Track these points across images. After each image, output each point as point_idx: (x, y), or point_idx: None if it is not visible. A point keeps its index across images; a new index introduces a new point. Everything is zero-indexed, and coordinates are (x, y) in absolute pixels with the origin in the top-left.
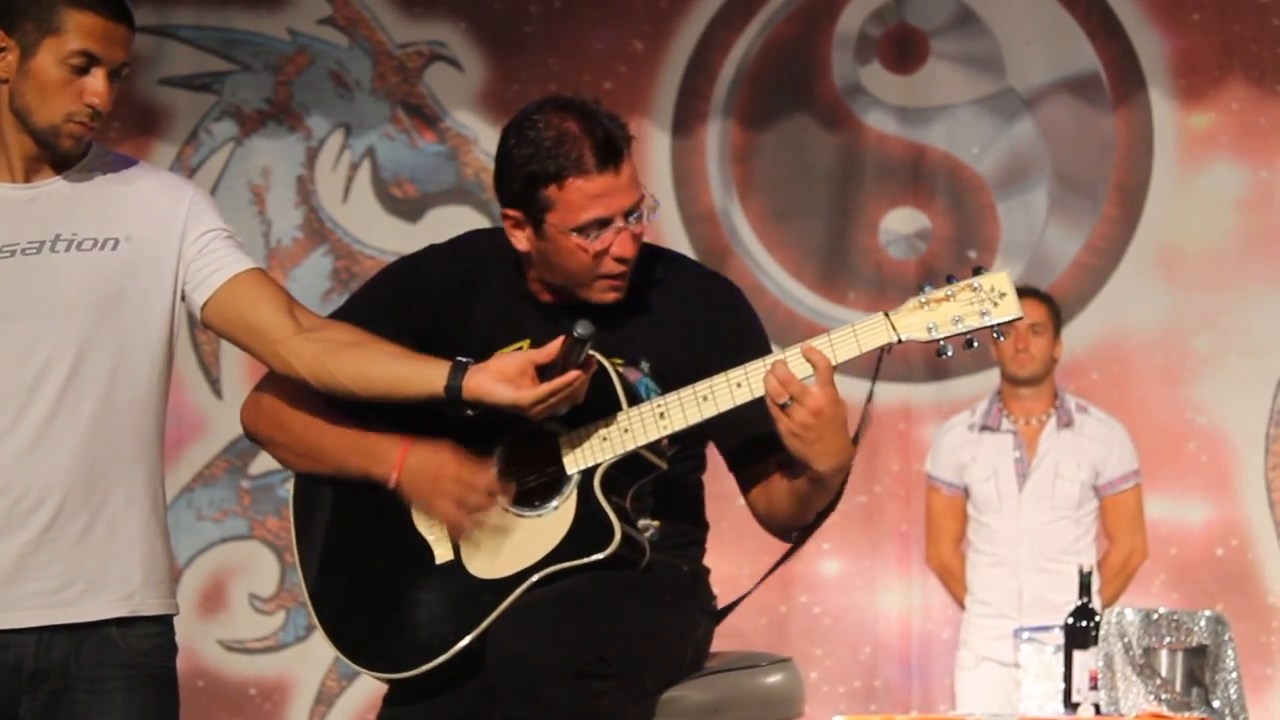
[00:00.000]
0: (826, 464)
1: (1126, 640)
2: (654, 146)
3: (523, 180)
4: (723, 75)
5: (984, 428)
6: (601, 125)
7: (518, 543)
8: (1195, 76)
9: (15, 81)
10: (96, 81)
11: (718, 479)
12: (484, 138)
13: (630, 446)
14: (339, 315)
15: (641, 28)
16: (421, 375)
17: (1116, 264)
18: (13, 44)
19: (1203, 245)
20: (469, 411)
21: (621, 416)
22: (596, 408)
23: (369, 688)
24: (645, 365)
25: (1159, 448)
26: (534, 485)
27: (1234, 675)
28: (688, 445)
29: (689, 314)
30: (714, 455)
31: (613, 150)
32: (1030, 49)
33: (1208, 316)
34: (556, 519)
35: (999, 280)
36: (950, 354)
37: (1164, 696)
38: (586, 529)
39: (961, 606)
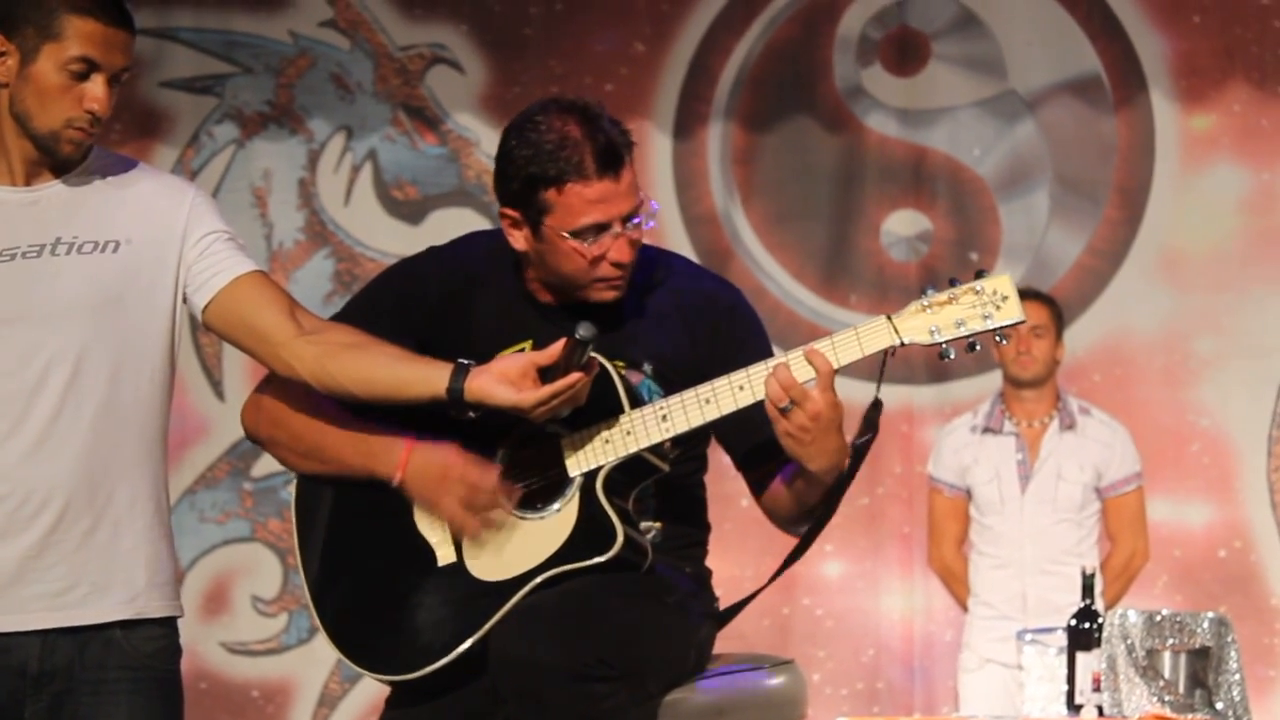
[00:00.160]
0: (819, 464)
1: (1129, 642)
2: (655, 149)
3: (522, 181)
4: (724, 77)
5: (986, 430)
6: (603, 131)
7: (520, 545)
8: (1196, 78)
9: (15, 86)
10: (96, 87)
11: (719, 481)
12: (485, 140)
13: (633, 449)
14: (340, 317)
15: (643, 30)
16: (423, 377)
17: (1118, 266)
18: (13, 49)
19: (1204, 247)
20: (471, 414)
21: (624, 419)
22: (599, 410)
23: (371, 690)
24: (647, 367)
25: (1161, 450)
26: (536, 487)
27: (1237, 677)
28: (689, 447)
29: (691, 316)
30: (715, 456)
31: (613, 156)
32: (1031, 51)
33: (1210, 318)
34: (559, 521)
35: (1001, 283)
36: (953, 357)
37: (1167, 698)
38: (589, 531)
39: (964, 608)
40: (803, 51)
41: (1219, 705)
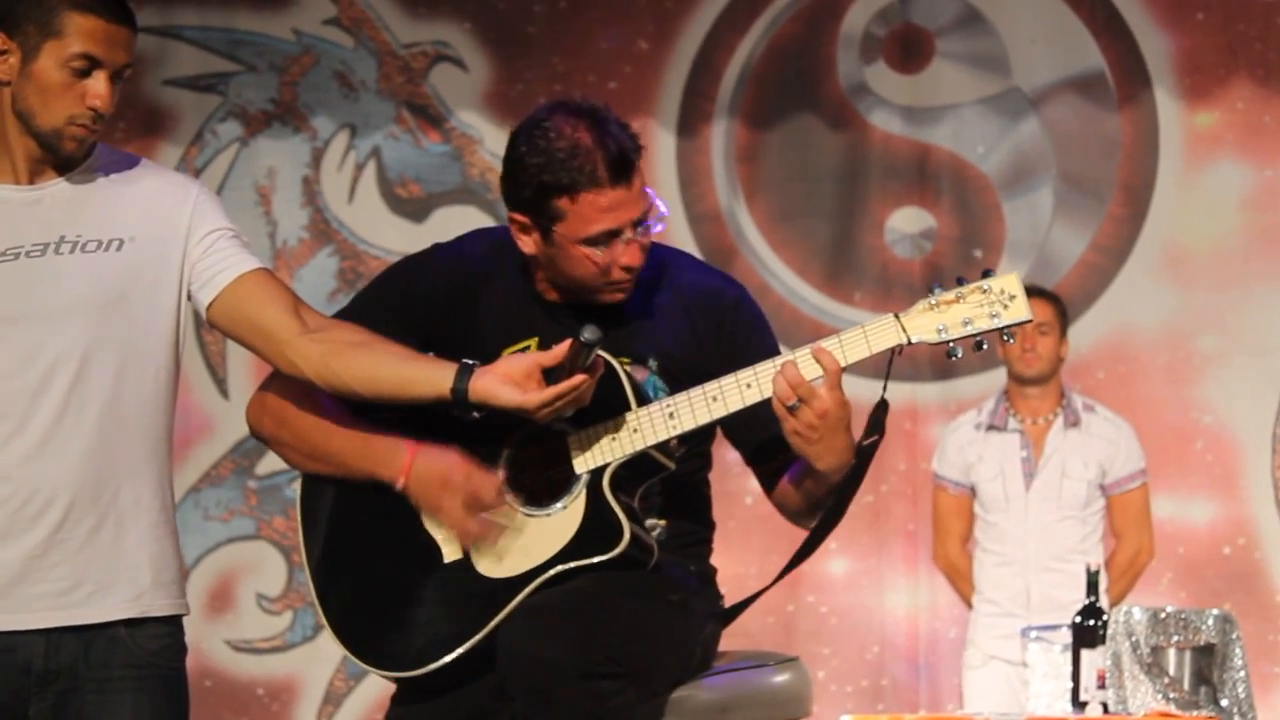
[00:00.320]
0: (826, 463)
1: (1134, 639)
2: (659, 146)
3: (534, 189)
4: (728, 75)
5: (991, 427)
6: (614, 137)
7: (526, 542)
8: (1200, 75)
9: (17, 84)
10: (98, 84)
11: (723, 479)
12: (489, 138)
13: (639, 446)
14: (344, 315)
15: (646, 28)
16: (428, 377)
17: (1122, 263)
18: (14, 46)
19: (1208, 244)
20: (475, 413)
21: (630, 416)
22: (605, 408)
23: (377, 687)
24: (653, 364)
25: (1165, 447)
26: (543, 485)
27: (1242, 674)
28: (695, 444)
29: (696, 313)
30: (718, 454)
31: (625, 164)
32: (1035, 48)
33: (1214, 315)
34: (565, 518)
35: (1009, 283)
36: (960, 355)
37: (1172, 695)
38: (595, 529)
39: (969, 605)
40: (806, 49)
41: (1224, 702)
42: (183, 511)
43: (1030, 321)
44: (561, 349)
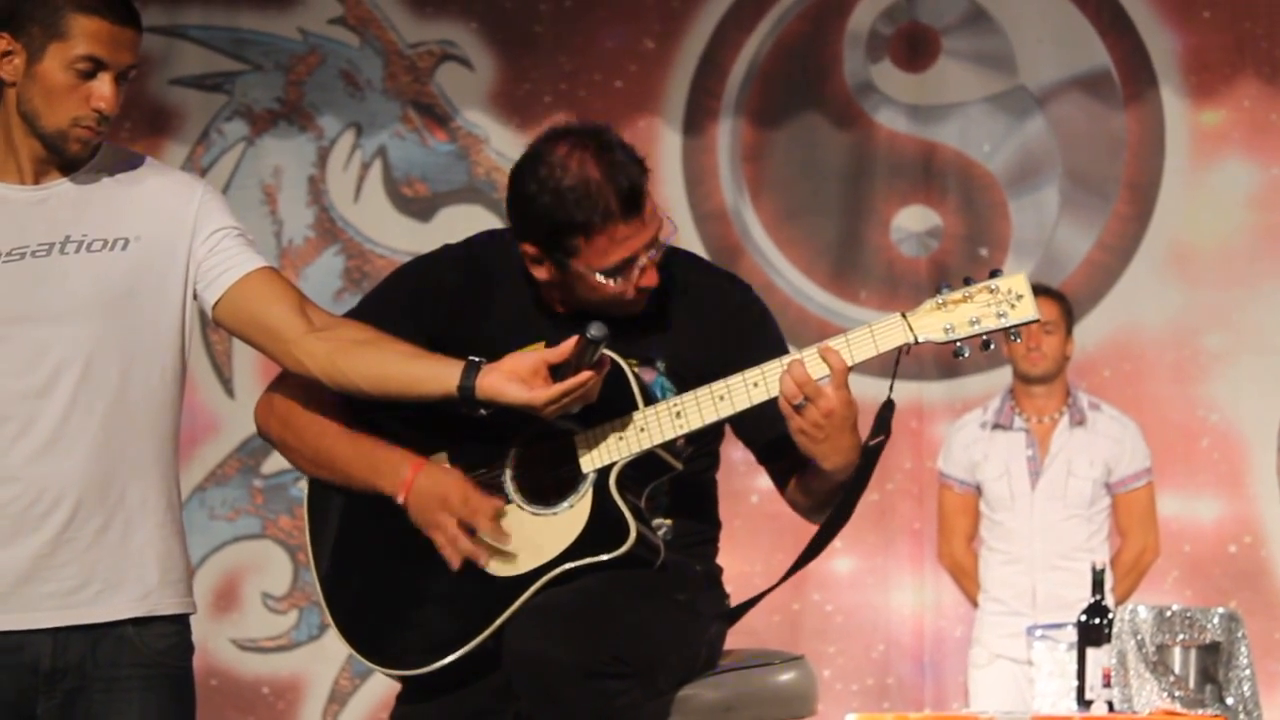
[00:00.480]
0: (833, 462)
1: (1140, 637)
2: (665, 145)
3: (546, 228)
4: (734, 73)
5: (996, 426)
6: (623, 170)
7: (532, 541)
8: (1207, 74)
9: (22, 86)
10: (103, 86)
11: (728, 478)
12: (495, 137)
13: (646, 445)
14: (354, 315)
15: (652, 26)
16: (434, 375)
17: (1128, 262)
18: (19, 48)
19: (1214, 243)
20: (482, 411)
21: (637, 415)
22: (612, 407)
23: (382, 686)
24: (660, 365)
25: (1171, 445)
26: (549, 483)
27: (1247, 672)
28: (703, 443)
29: (704, 314)
30: (724, 452)
31: (636, 196)
32: (1041, 47)
33: (1219, 314)
34: (571, 517)
35: (1016, 282)
36: (967, 355)
37: (1177, 694)
38: (602, 528)
39: (974, 604)
40: (812, 47)
41: (1229, 700)
42: (188, 511)
43: (1038, 321)
44: (568, 345)
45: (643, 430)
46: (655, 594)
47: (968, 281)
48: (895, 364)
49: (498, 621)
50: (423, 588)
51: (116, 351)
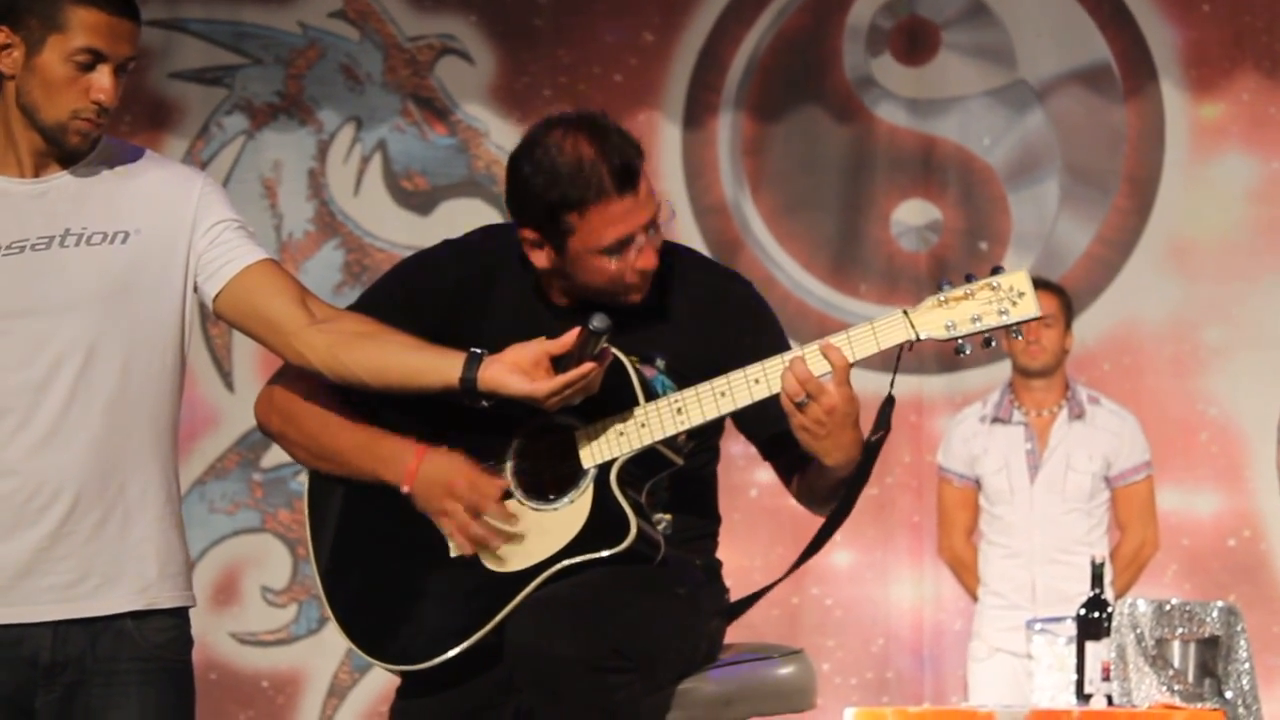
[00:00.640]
0: (834, 458)
1: (1139, 631)
2: (665, 139)
3: (542, 207)
4: (734, 67)
5: (995, 419)
6: (615, 146)
7: (533, 536)
8: (1206, 67)
9: (21, 78)
10: (103, 78)
11: (727, 472)
12: (495, 130)
13: (647, 441)
14: (355, 309)
15: (652, 19)
16: (436, 366)
17: (1128, 255)
18: (18, 40)
19: (1214, 236)
20: (484, 403)
21: (638, 411)
22: (613, 402)
23: (381, 680)
24: (661, 361)
25: (1170, 439)
26: (550, 479)
27: (1246, 666)
28: (704, 438)
29: (704, 310)
30: (722, 448)
31: (630, 172)
32: (1041, 40)
33: (1219, 308)
34: (572, 513)
35: (1018, 280)
36: (969, 352)
37: (1176, 687)
38: (602, 523)
39: (973, 598)
40: (812, 41)
41: (1228, 694)
42: (188, 504)
43: (1039, 318)
44: (570, 337)
45: (644, 426)
46: (656, 588)
47: (969, 278)
48: (896, 361)
49: (499, 616)
50: (423, 582)
51: (117, 345)
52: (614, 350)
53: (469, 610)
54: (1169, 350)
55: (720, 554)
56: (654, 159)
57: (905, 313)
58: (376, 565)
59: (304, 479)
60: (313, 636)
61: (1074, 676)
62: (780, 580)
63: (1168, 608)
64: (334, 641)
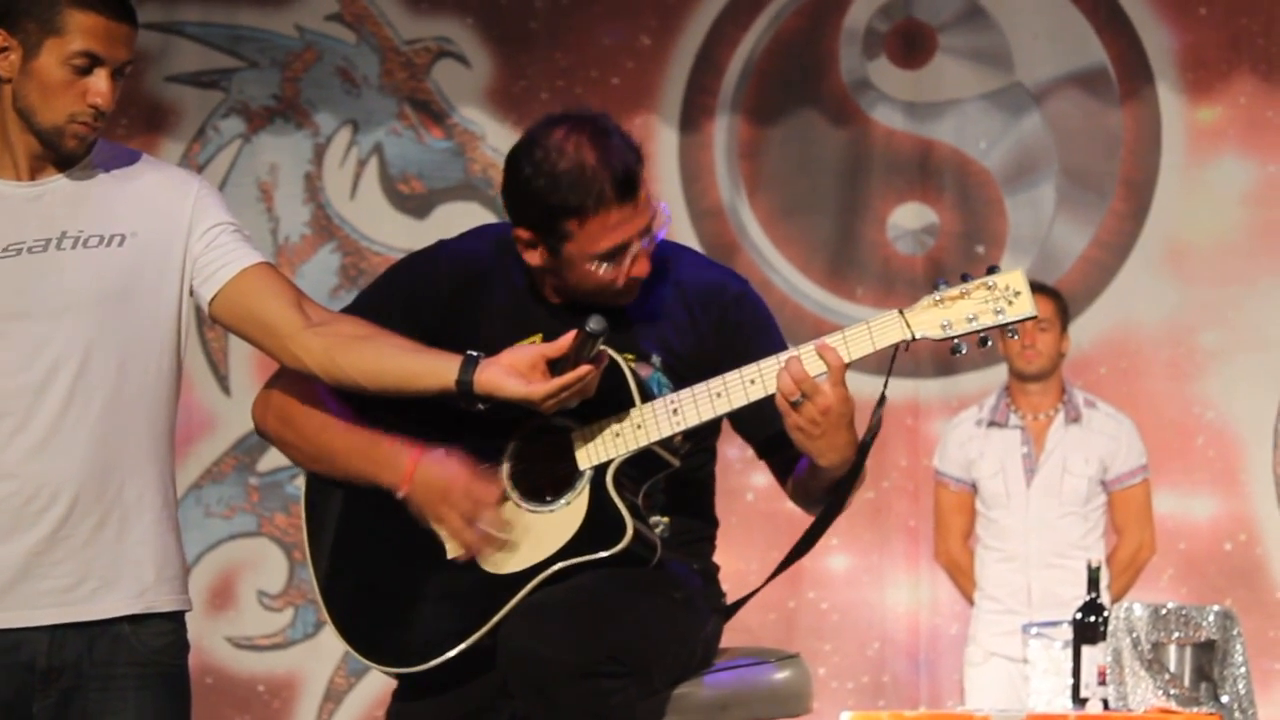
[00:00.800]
0: (829, 459)
1: (1135, 635)
2: (661, 142)
3: (541, 211)
4: (730, 70)
5: (992, 423)
6: (618, 155)
7: (529, 538)
8: (1203, 71)
9: (18, 81)
10: (100, 82)
11: (724, 475)
12: (491, 134)
13: (643, 442)
14: (350, 311)
15: (649, 23)
16: (432, 369)
17: (1124, 259)
18: (15, 44)
19: (1211, 240)
20: (480, 405)
21: (635, 412)
22: (610, 403)
23: (378, 684)
24: (656, 360)
25: (1167, 442)
26: (546, 480)
27: (1242, 670)
28: (700, 439)
29: (699, 309)
30: (719, 451)
31: (631, 182)
32: (1038, 44)
33: (1216, 311)
34: (568, 515)
35: (1014, 279)
36: (964, 352)
37: (1172, 691)
38: (599, 525)
39: (970, 602)
40: (809, 44)
41: (1224, 698)
42: (184, 508)
43: (1035, 317)
44: (566, 339)
45: (640, 427)
46: (652, 592)
47: (965, 278)
48: (891, 361)
49: (494, 619)
50: (419, 585)
51: (113, 348)
52: (610, 351)
53: (466, 612)
54: (1165, 354)
55: (716, 557)
56: (650, 162)
57: (901, 312)
58: (373, 567)
59: (301, 483)
60: (309, 641)
61: (1070, 681)
62: (771, 578)
63: (1164, 612)
64: (330, 646)
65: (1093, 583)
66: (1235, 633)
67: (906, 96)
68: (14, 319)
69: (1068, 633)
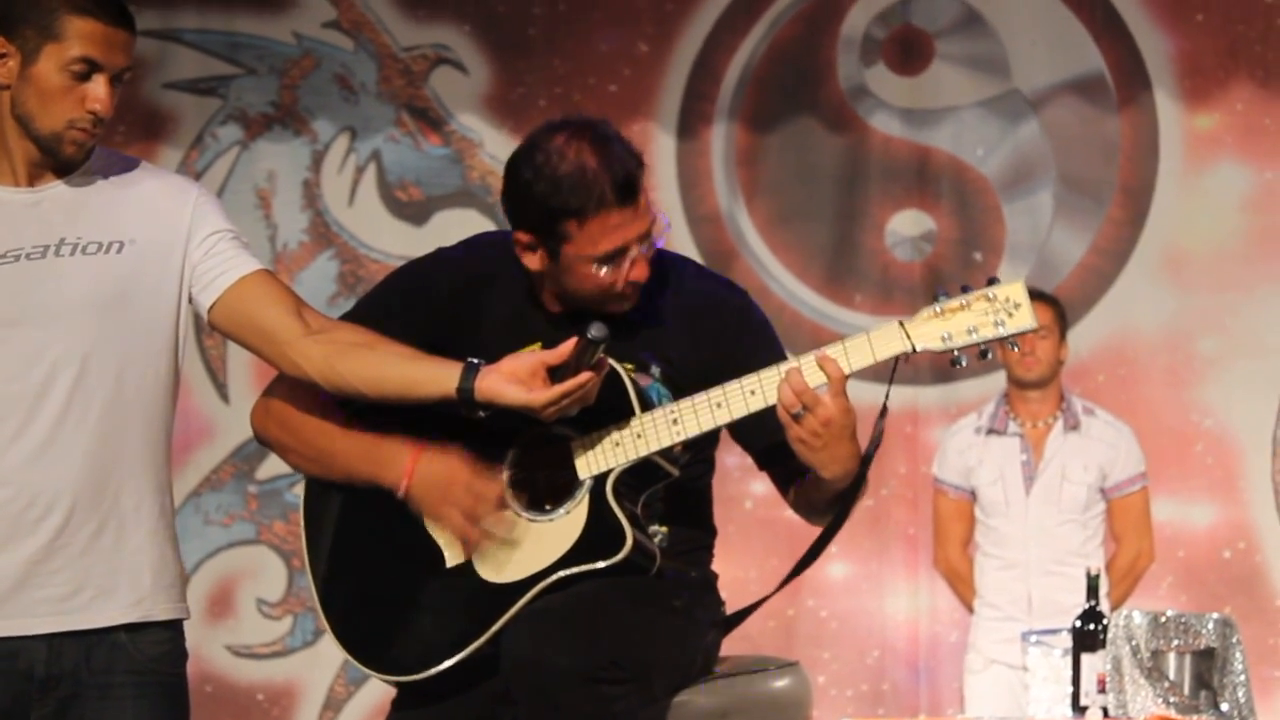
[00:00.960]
0: (831, 471)
1: (1134, 643)
2: (659, 149)
3: (540, 213)
4: (728, 77)
5: (991, 431)
6: (619, 159)
7: (529, 547)
8: (1200, 78)
9: (16, 88)
10: (98, 88)
11: (722, 484)
12: (489, 140)
13: (643, 452)
14: (349, 319)
15: (646, 30)
16: (433, 377)
17: (1122, 266)
18: (13, 50)
19: (1208, 247)
20: (481, 413)
21: (634, 422)
22: (609, 413)
23: (377, 693)
24: (656, 370)
25: (1166, 450)
26: (546, 489)
27: (1242, 678)
28: (699, 450)
29: (698, 319)
30: (717, 459)
31: (631, 185)
32: (1035, 50)
33: (1214, 318)
34: (568, 524)
35: (1014, 290)
36: (965, 364)
37: (1172, 699)
38: (598, 534)
39: (969, 609)
40: (806, 51)
41: (1224, 706)
42: (183, 516)
43: (1035, 330)
44: (567, 347)
45: (639, 437)
46: (651, 600)
47: (965, 289)
48: (891, 373)
49: (494, 628)
50: (419, 593)
51: (112, 355)
52: (610, 360)
53: (465, 621)
54: (1164, 361)
55: (715, 566)
56: (648, 169)
57: (901, 324)
58: (372, 575)
59: (300, 490)
60: (308, 649)
61: (1070, 688)
62: (774, 592)
63: (1163, 619)
64: (329, 654)
65: (1092, 590)
66: (1235, 640)
67: (904, 103)
68: (12, 325)
69: (1067, 640)
